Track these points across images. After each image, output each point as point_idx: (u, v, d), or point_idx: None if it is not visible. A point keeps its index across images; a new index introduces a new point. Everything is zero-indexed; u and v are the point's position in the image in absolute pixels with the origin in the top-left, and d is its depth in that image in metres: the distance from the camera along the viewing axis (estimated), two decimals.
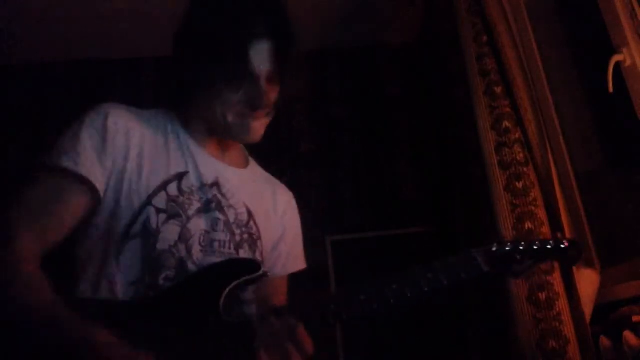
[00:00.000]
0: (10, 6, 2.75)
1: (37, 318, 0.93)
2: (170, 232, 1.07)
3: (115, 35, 3.04)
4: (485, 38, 1.87)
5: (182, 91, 1.23)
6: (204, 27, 1.11)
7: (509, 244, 1.13)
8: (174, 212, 1.09)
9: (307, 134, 3.24)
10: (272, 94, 1.14)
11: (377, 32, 3.23)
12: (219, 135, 1.20)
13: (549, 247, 1.15)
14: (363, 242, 2.98)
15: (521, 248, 1.13)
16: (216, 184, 1.17)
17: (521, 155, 1.74)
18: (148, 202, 1.07)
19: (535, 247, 1.14)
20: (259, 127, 1.16)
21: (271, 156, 3.12)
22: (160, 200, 1.08)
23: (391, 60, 3.39)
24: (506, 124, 1.78)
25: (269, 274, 1.21)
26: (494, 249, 1.12)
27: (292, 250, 1.32)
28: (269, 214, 1.27)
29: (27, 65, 3.18)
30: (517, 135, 1.76)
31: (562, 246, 1.16)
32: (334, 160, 3.20)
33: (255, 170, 1.32)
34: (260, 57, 1.10)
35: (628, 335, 1.40)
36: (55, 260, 1.03)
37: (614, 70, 1.50)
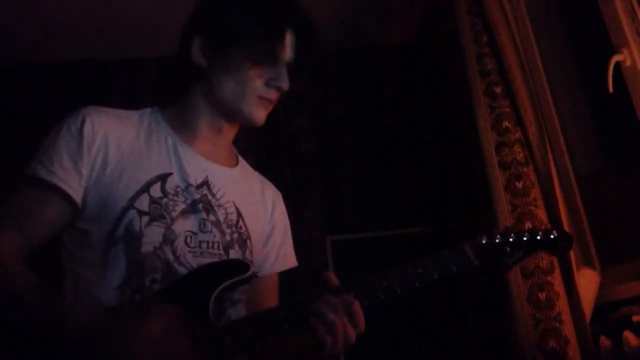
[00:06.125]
0: (11, 6, 2.75)
1: (24, 304, 0.95)
2: (154, 235, 1.06)
3: (115, 35, 3.04)
4: (485, 38, 1.87)
5: (180, 85, 1.22)
6: (241, 11, 1.15)
7: (498, 236, 1.12)
8: (157, 214, 1.08)
9: (307, 134, 3.24)
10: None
11: (377, 32, 3.23)
12: (225, 118, 1.19)
13: (538, 238, 1.13)
14: (363, 242, 2.98)
15: (511, 240, 1.11)
16: (205, 184, 1.16)
17: (521, 155, 1.73)
18: (130, 205, 1.06)
19: (524, 239, 1.12)
20: (264, 112, 1.18)
21: (271, 156, 3.14)
22: (142, 203, 1.07)
23: (391, 60, 3.39)
24: (506, 124, 1.78)
25: (258, 272, 1.21)
26: (484, 241, 1.11)
27: (281, 248, 1.30)
28: (258, 212, 1.27)
29: (27, 65, 3.18)
30: (517, 135, 1.76)
31: (552, 237, 1.14)
32: (334, 160, 3.20)
33: (244, 168, 1.32)
34: (288, 45, 1.15)
35: (628, 335, 1.40)
36: (40, 266, 1.03)
37: (614, 70, 1.50)
